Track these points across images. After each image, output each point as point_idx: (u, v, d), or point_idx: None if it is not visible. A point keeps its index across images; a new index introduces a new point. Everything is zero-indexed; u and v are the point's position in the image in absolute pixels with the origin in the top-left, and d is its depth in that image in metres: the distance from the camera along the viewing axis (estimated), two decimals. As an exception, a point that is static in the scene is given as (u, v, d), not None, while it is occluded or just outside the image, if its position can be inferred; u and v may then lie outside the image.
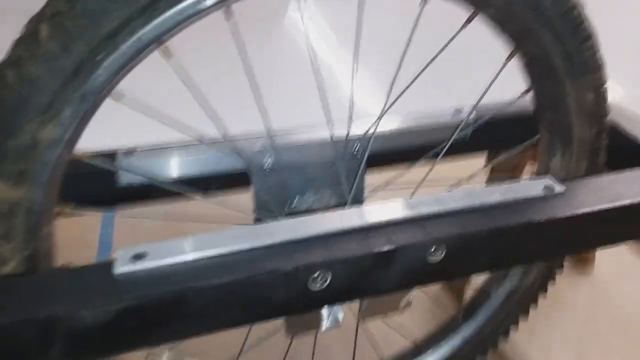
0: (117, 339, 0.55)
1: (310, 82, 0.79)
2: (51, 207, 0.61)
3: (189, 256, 0.58)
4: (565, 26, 0.68)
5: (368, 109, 0.86)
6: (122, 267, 0.56)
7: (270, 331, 0.88)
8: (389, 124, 0.88)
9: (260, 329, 0.93)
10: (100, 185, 0.76)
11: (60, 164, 0.58)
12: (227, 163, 0.81)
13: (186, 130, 0.73)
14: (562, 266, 0.95)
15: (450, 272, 0.66)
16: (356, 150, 0.82)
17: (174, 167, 0.79)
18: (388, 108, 0.79)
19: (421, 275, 0.65)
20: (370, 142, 0.82)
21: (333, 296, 0.62)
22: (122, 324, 0.54)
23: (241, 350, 0.90)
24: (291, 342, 0.92)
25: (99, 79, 0.55)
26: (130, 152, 0.77)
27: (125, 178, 0.76)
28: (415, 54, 0.75)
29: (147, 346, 0.57)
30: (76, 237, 0.72)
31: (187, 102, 0.72)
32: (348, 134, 0.80)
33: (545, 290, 0.98)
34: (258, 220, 0.80)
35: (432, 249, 0.63)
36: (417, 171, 0.85)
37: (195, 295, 0.55)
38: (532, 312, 1.41)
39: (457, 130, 0.84)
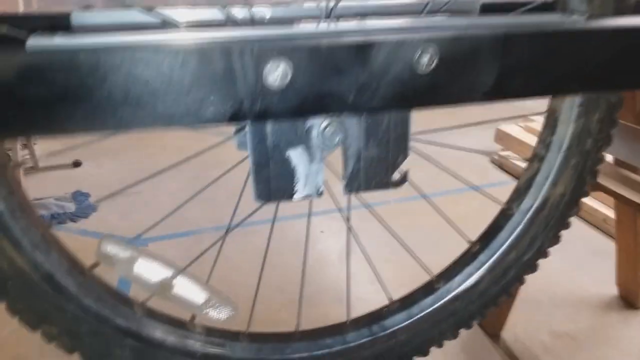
0: (24, 111, 0.45)
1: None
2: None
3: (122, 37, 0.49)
4: None
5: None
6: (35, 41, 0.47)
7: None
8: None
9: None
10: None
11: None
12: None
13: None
14: (595, 175, 0.80)
15: (446, 87, 0.53)
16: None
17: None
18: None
19: (409, 89, 0.53)
20: None
21: (297, 102, 0.50)
22: (29, 90, 0.44)
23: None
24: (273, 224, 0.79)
25: None
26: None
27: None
28: None
29: (63, 129, 0.47)
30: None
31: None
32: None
33: (578, 208, 0.82)
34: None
35: (420, 51, 0.52)
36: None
37: (115, 64, 0.45)
38: (580, 351, 1.24)
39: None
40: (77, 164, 2.87)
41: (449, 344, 0.84)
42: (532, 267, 0.85)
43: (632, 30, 0.58)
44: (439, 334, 0.85)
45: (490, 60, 0.54)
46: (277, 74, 0.49)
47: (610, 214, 2.08)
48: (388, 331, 0.83)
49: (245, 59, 0.48)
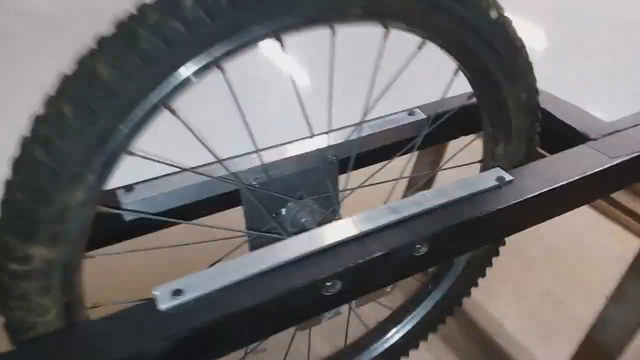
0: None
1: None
2: (80, 258, 0.67)
3: (219, 284, 0.66)
4: (501, 43, 0.81)
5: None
6: (164, 304, 0.64)
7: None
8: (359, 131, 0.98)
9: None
10: (108, 225, 0.80)
11: (87, 220, 0.64)
12: (219, 186, 0.88)
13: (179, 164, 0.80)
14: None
15: (431, 261, 0.79)
16: (333, 157, 0.92)
17: (169, 198, 0.85)
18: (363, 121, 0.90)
19: (409, 267, 0.77)
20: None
21: (343, 298, 0.73)
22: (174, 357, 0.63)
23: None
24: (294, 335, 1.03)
25: (119, 143, 0.61)
26: (129, 189, 0.83)
27: (128, 215, 0.82)
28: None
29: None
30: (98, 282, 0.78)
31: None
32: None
33: (497, 254, 1.14)
34: (251, 232, 0.88)
35: (419, 247, 0.75)
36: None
37: (232, 319, 0.64)
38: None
39: (426, 129, 0.96)
40: None
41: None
42: (467, 294, 1.18)
43: (548, 192, 0.84)
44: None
45: (457, 237, 0.79)
46: (331, 289, 0.70)
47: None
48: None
49: (310, 289, 0.69)
